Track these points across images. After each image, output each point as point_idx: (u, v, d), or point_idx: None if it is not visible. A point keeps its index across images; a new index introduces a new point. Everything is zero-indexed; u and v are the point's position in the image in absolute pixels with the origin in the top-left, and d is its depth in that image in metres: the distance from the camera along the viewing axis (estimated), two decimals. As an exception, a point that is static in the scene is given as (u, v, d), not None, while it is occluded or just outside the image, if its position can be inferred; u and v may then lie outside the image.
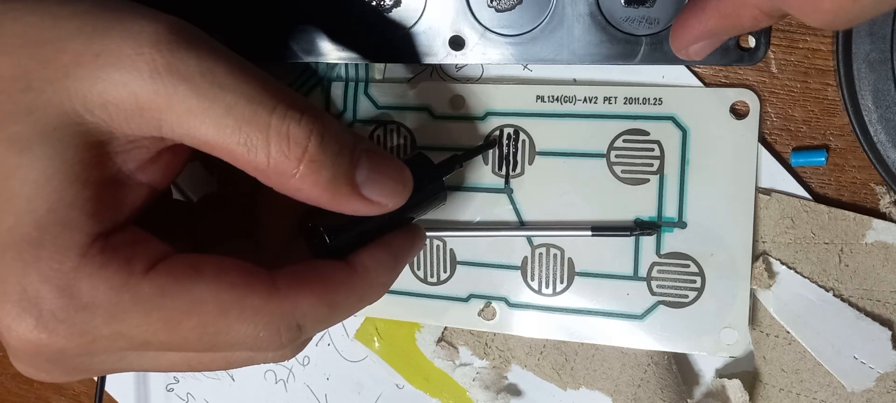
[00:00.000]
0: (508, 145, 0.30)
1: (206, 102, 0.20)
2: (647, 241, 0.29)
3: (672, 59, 0.28)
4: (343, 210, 0.23)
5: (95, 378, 0.37)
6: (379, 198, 0.23)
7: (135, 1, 0.21)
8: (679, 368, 0.31)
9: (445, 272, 0.32)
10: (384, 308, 0.33)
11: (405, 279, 0.32)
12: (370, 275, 0.24)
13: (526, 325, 0.32)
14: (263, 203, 0.26)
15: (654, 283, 0.30)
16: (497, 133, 0.30)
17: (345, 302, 0.23)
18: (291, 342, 0.22)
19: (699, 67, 0.29)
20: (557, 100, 0.30)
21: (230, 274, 0.21)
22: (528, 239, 0.31)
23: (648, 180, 0.29)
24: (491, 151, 0.31)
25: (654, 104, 0.29)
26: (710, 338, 0.29)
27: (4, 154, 0.19)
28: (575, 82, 0.30)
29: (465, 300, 0.32)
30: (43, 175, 0.19)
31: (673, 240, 0.29)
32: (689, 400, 0.31)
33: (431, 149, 0.31)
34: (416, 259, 0.32)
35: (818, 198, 0.29)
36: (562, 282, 0.31)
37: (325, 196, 0.22)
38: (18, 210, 0.19)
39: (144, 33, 0.20)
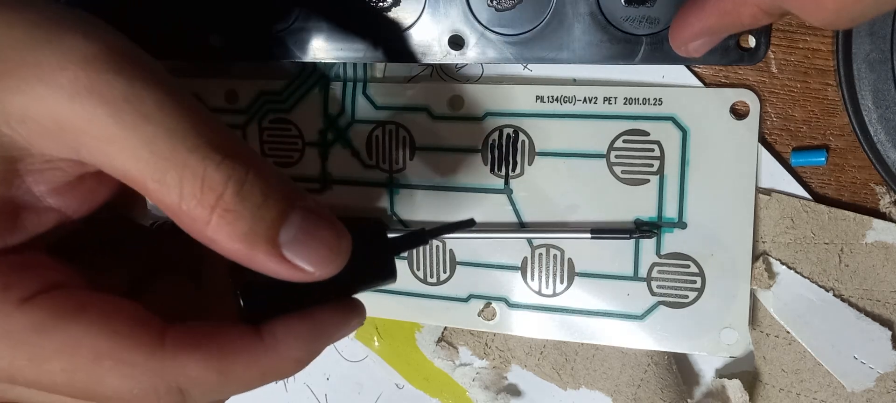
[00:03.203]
0: (508, 146, 0.30)
1: (125, 130, 0.18)
2: (648, 242, 0.29)
3: (672, 59, 0.28)
4: (259, 270, 0.20)
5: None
6: (302, 263, 0.20)
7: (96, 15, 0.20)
8: (679, 368, 0.31)
9: (445, 272, 0.32)
10: (384, 308, 0.33)
11: (405, 279, 0.32)
12: (279, 349, 0.21)
13: (526, 325, 0.31)
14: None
15: (654, 283, 0.30)
16: (473, 217, 0.26)
17: (242, 375, 0.20)
18: None
19: (699, 67, 0.29)
20: (557, 100, 0.29)
21: (116, 321, 0.19)
22: (528, 239, 0.31)
23: (648, 180, 0.29)
24: (490, 154, 0.30)
25: (654, 104, 0.29)
26: (710, 338, 0.29)
27: None
28: (575, 82, 0.30)
29: (465, 300, 0.32)
30: None
31: (673, 241, 0.29)
32: (689, 400, 0.31)
33: (431, 149, 0.31)
34: (415, 259, 0.32)
35: (818, 198, 0.29)
36: (562, 283, 0.31)
37: (240, 251, 0.19)
38: None
39: (76, 49, 0.18)
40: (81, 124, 0.18)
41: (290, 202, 0.20)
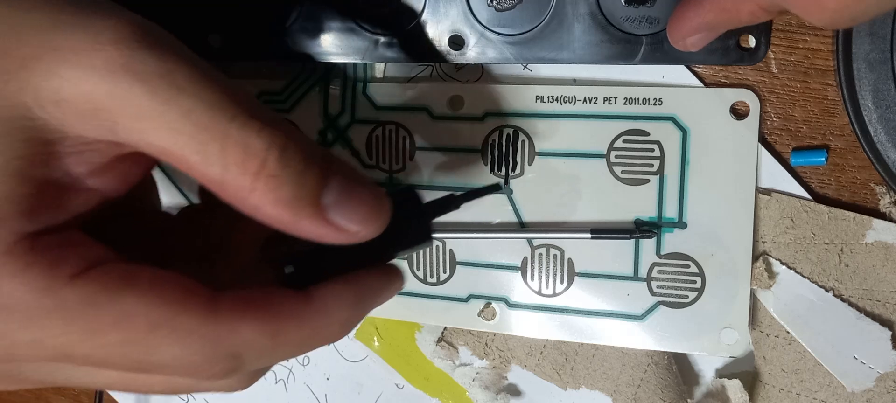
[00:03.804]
0: (508, 146, 0.30)
1: (162, 105, 0.19)
2: (648, 242, 0.29)
3: (672, 59, 0.28)
4: (305, 235, 0.21)
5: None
6: (347, 224, 0.21)
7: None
8: (679, 368, 0.31)
9: (445, 272, 0.32)
10: (384, 308, 0.33)
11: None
12: (328, 312, 0.21)
13: (526, 325, 0.31)
14: (240, 219, 0.25)
15: (654, 283, 0.30)
16: (500, 181, 0.29)
17: (293, 337, 0.21)
18: (227, 372, 0.20)
19: (699, 67, 0.29)
20: (557, 100, 0.30)
21: (166, 290, 0.19)
22: (528, 239, 0.31)
23: (648, 180, 0.29)
24: (490, 154, 0.30)
25: (654, 104, 0.29)
26: (710, 338, 0.29)
27: None
28: (575, 82, 0.30)
29: (465, 300, 0.32)
30: None
31: (673, 241, 0.29)
32: (689, 400, 0.31)
33: (431, 149, 0.31)
34: (415, 259, 0.32)
35: (818, 198, 0.29)
36: (562, 283, 0.31)
37: (285, 216, 0.20)
38: None
39: (107, 30, 0.19)
40: (118, 103, 0.18)
41: (327, 165, 0.20)
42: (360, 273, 0.23)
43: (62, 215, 0.20)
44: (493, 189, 0.27)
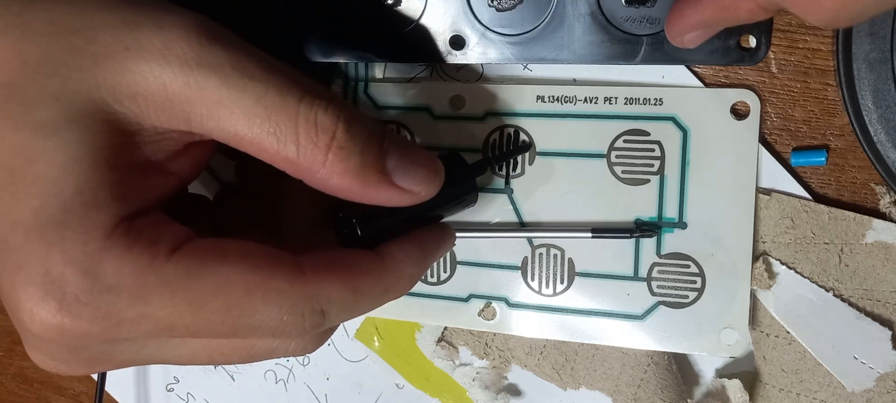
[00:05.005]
0: (508, 145, 0.30)
1: (237, 93, 0.20)
2: (648, 242, 0.29)
3: (672, 59, 0.28)
4: (374, 199, 0.22)
5: (95, 377, 0.37)
6: (411, 185, 0.23)
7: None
8: (679, 368, 0.31)
9: (445, 272, 0.32)
10: (384, 308, 0.33)
11: (405, 279, 0.32)
12: (398, 266, 0.23)
13: (526, 325, 0.31)
14: (285, 194, 0.26)
15: (654, 283, 0.30)
16: (525, 139, 0.30)
17: (370, 291, 0.22)
18: (314, 328, 0.21)
19: (699, 67, 0.29)
20: (557, 100, 0.30)
21: (255, 257, 0.21)
22: (529, 239, 0.31)
23: (649, 180, 0.29)
24: (490, 153, 0.30)
25: (655, 104, 0.29)
26: (710, 338, 0.29)
27: (29, 138, 0.19)
28: (575, 82, 0.30)
29: (465, 300, 0.32)
30: (71, 158, 0.19)
31: (673, 241, 0.29)
32: (689, 400, 0.31)
33: (431, 149, 0.31)
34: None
35: (818, 198, 0.29)
36: (562, 282, 0.31)
37: (355, 184, 0.22)
38: (44, 192, 0.19)
39: (174, 28, 0.20)
40: (193, 94, 0.20)
41: (384, 134, 0.22)
42: (420, 231, 0.25)
43: (149, 199, 0.21)
44: (525, 148, 0.29)
